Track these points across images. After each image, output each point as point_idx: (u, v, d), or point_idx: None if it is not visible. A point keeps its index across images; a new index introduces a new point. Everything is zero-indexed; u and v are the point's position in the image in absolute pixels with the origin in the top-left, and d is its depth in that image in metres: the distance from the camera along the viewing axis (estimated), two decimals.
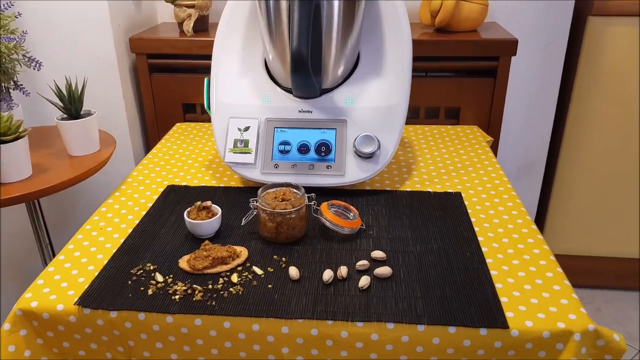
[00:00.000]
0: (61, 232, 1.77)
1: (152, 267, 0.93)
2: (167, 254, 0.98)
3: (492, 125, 1.71)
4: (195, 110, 1.74)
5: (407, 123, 1.73)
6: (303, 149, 1.19)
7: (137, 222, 1.09)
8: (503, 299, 0.85)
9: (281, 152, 1.20)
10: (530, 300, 0.85)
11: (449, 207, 1.14)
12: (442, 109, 1.71)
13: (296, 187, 1.04)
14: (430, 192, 1.21)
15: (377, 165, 1.18)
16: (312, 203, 1.03)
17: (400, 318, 0.81)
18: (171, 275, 0.91)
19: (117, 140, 1.69)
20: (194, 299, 0.85)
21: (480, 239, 1.02)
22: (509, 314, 0.81)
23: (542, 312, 0.82)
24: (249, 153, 1.20)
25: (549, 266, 0.93)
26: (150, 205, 1.16)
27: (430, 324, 0.80)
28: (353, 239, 1.02)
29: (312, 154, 1.19)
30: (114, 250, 0.99)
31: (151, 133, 1.75)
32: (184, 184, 1.26)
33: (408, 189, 1.23)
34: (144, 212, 1.13)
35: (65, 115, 1.24)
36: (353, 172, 1.18)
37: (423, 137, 1.54)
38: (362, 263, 0.92)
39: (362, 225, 1.05)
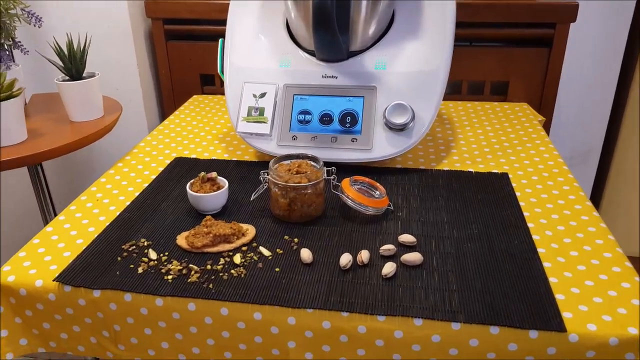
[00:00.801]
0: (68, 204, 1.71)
1: (146, 243, 0.84)
2: (165, 230, 0.88)
3: (544, 104, 1.54)
4: (213, 82, 1.65)
5: (446, 99, 1.60)
6: (325, 119, 1.08)
7: (137, 194, 1.00)
8: (559, 297, 0.71)
9: (300, 122, 1.08)
10: (592, 299, 0.71)
11: (494, 190, 1.00)
12: (488, 83, 1.56)
13: (314, 158, 0.93)
14: (471, 172, 1.08)
15: (410, 139, 1.06)
16: (332, 178, 0.91)
17: (431, 314, 0.69)
18: (166, 253, 0.82)
19: (130, 112, 1.61)
20: (189, 280, 0.75)
21: (530, 225, 0.88)
22: (566, 315, 0.68)
23: (609, 313, 0.68)
24: (265, 123, 1.09)
25: (616, 259, 0.79)
26: (153, 177, 1.07)
27: (468, 322, 0.68)
28: (378, 221, 0.90)
29: (335, 125, 1.07)
30: (108, 224, 0.90)
31: (167, 105, 1.67)
32: (193, 156, 1.17)
33: (445, 168, 1.09)
34: (146, 185, 1.04)
35: (66, 77, 1.16)
36: (382, 147, 1.05)
37: (465, 114, 1.40)
38: (388, 247, 0.80)
39: (389, 205, 0.93)
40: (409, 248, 0.83)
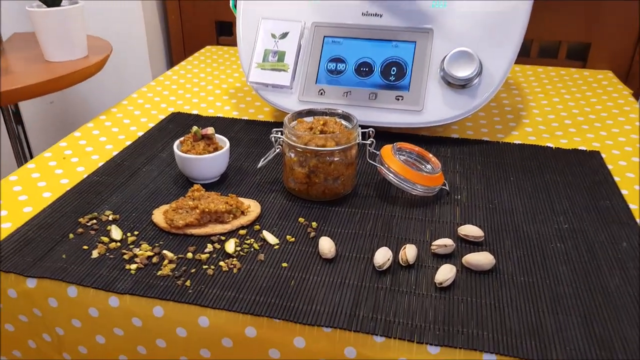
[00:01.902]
0: None
1: (111, 217, 0.63)
2: (140, 201, 0.67)
3: (632, 74, 1.27)
4: (231, 32, 1.43)
5: None
6: (364, 69, 0.85)
7: (115, 153, 0.80)
8: None
9: (331, 72, 0.86)
10: None
11: (584, 172, 0.76)
12: (564, 45, 1.29)
13: (345, 115, 0.70)
14: (551, 147, 0.83)
15: (473, 99, 0.82)
16: (369, 143, 0.68)
17: (509, 346, 0.47)
18: (135, 233, 0.61)
19: (133, 63, 1.41)
20: (159, 272, 0.55)
21: None
22: None
23: None
24: (285, 71, 0.87)
25: None
26: (141, 134, 0.86)
27: None
28: (429, 205, 0.67)
29: (376, 77, 0.84)
30: (69, 189, 0.70)
31: (176, 56, 1.46)
32: (194, 112, 0.95)
33: (517, 141, 0.85)
34: (129, 143, 0.83)
35: (42, 5, 0.95)
36: (436, 108, 0.82)
37: (536, 80, 1.14)
38: (443, 242, 0.58)
39: (444, 184, 0.70)
40: (474, 245, 0.60)
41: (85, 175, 0.74)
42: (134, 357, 0.55)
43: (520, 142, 0.85)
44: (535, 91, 1.08)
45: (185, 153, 0.69)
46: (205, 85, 1.09)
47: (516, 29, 0.81)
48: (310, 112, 0.71)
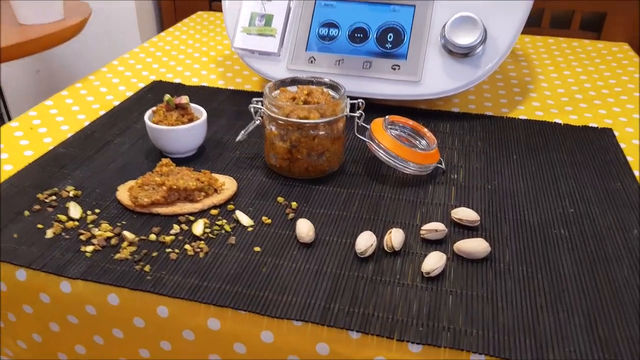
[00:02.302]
0: None
1: (72, 194, 0.58)
2: (107, 177, 0.62)
3: None
4: None
5: (522, 32, 1.27)
6: (358, 35, 0.78)
7: (87, 123, 0.74)
8: None
9: (322, 38, 0.79)
10: None
11: (594, 150, 0.70)
12: (578, 15, 1.21)
13: (333, 85, 0.64)
14: (560, 123, 0.77)
15: (477, 70, 0.75)
16: (358, 115, 0.62)
17: (502, 347, 0.41)
18: (97, 211, 0.56)
19: (121, 29, 1.35)
20: (117, 256, 0.49)
21: None
22: None
23: None
24: (272, 36, 0.80)
25: None
26: (117, 103, 0.81)
27: None
28: (422, 185, 0.62)
29: (371, 44, 0.78)
30: (32, 162, 0.65)
31: (167, 22, 1.39)
32: (177, 80, 0.89)
33: (522, 117, 0.79)
34: (103, 112, 0.78)
35: None
36: (436, 79, 0.76)
37: (547, 52, 1.07)
38: (434, 227, 0.52)
39: (440, 162, 0.65)
40: (468, 230, 0.54)
41: (51, 147, 0.68)
42: (91, 348, 0.51)
43: (526, 118, 0.79)
44: (544, 64, 1.01)
45: (157, 124, 0.64)
46: (192, 52, 1.02)
47: None
48: (294, 81, 0.65)
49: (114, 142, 0.69)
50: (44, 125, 0.74)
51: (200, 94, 0.84)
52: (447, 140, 0.71)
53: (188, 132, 0.64)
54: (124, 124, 0.74)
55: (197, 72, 0.93)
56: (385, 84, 0.77)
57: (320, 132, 0.60)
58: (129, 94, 0.84)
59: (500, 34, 0.75)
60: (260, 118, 0.63)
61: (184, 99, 0.64)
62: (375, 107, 0.77)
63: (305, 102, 0.61)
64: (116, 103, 0.81)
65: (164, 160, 0.59)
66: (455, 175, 0.64)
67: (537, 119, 0.79)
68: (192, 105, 0.67)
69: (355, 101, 0.64)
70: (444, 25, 0.75)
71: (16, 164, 0.65)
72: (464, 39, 0.73)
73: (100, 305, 0.48)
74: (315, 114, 0.59)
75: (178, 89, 0.86)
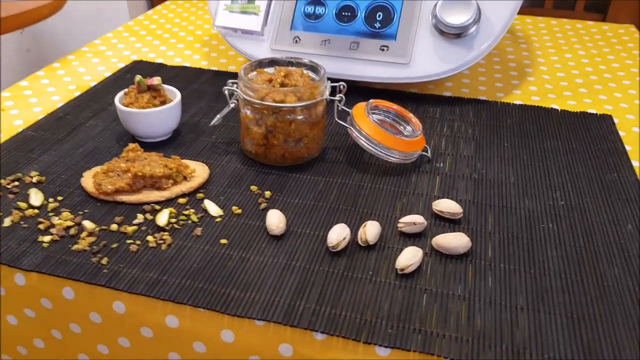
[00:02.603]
0: None
1: (35, 179, 0.55)
2: (74, 162, 0.59)
3: None
4: None
5: (522, 13, 1.22)
6: (345, 14, 0.74)
7: (60, 105, 0.71)
8: None
9: (308, 16, 0.75)
10: None
11: (591, 138, 0.66)
12: None
13: (313, 66, 0.61)
14: (556, 109, 0.73)
15: (469, 51, 0.71)
16: (339, 99, 0.59)
17: (478, 352, 0.39)
18: (59, 198, 0.53)
19: (113, 12, 1.31)
20: (74, 247, 0.47)
21: None
22: None
23: None
24: (255, 14, 0.76)
25: None
26: (94, 84, 0.78)
27: None
28: (405, 173, 0.58)
29: (359, 23, 0.74)
30: None
31: (157, 2, 1.35)
32: (159, 60, 0.86)
33: (518, 102, 0.75)
34: (77, 94, 0.75)
35: None
36: (426, 61, 0.72)
37: (549, 34, 1.03)
38: (412, 220, 0.49)
39: (425, 149, 0.61)
40: (450, 223, 0.51)
41: (20, 130, 0.66)
42: (50, 343, 0.48)
43: (521, 103, 0.75)
44: (545, 46, 0.96)
45: (127, 106, 0.60)
46: (177, 31, 0.99)
47: None
48: (273, 62, 0.62)
49: (86, 125, 0.66)
50: (16, 107, 0.71)
51: (182, 75, 0.80)
52: (435, 126, 0.68)
53: (159, 115, 0.60)
54: (98, 105, 0.71)
55: (181, 52, 0.90)
56: (372, 66, 0.73)
57: (298, 117, 0.56)
58: (108, 74, 0.81)
59: (495, 14, 0.71)
60: (235, 101, 0.60)
61: (156, 80, 0.61)
62: (362, 91, 0.74)
63: (283, 85, 0.58)
64: (93, 84, 0.78)
65: (131, 145, 0.56)
66: (441, 164, 0.60)
67: (533, 104, 0.75)
68: (166, 86, 0.64)
69: (336, 84, 0.60)
70: (436, 3, 0.71)
71: None
72: (457, 18, 0.69)
73: (55, 298, 0.45)
74: (292, 97, 0.55)
75: (159, 69, 0.82)
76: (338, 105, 0.59)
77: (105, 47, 0.91)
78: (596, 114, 0.72)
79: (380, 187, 0.56)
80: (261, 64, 0.61)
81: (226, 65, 0.85)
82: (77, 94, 0.75)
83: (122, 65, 0.84)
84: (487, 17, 0.71)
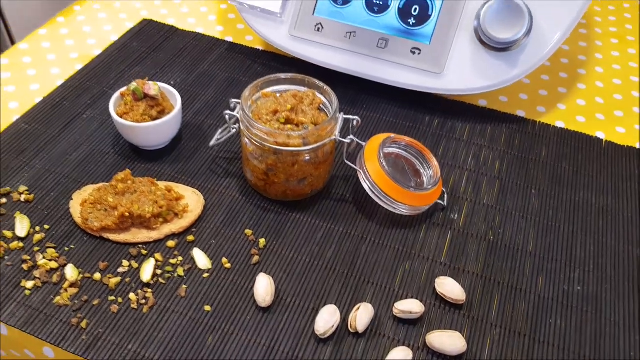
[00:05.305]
0: None
1: (23, 197, 0.53)
2: (66, 172, 0.56)
3: None
4: None
5: None
6: (377, 2, 0.65)
7: (59, 82, 0.66)
8: None
9: (334, 1, 0.66)
10: None
11: (632, 191, 0.59)
12: None
13: (323, 89, 0.54)
14: (601, 139, 0.65)
15: (513, 68, 0.62)
16: (348, 142, 0.52)
17: None
18: (46, 226, 0.51)
19: None
20: (56, 299, 0.46)
21: None
22: None
23: None
24: None
25: None
26: (97, 52, 0.72)
27: None
28: (414, 224, 0.54)
29: (391, 17, 0.64)
30: None
31: None
32: (170, 21, 0.78)
33: (559, 123, 0.67)
34: (79, 66, 0.69)
35: None
36: (462, 73, 0.63)
37: (616, 23, 0.89)
38: (409, 308, 0.46)
39: (442, 195, 0.56)
40: (450, 307, 0.48)
41: (15, 117, 0.62)
42: None
43: (562, 126, 0.67)
44: (609, 34, 0.84)
45: (122, 116, 0.55)
46: None
47: None
48: (279, 81, 0.55)
49: (83, 117, 0.62)
50: (13, 82, 0.66)
51: (191, 47, 0.73)
52: (460, 154, 0.61)
53: (156, 129, 0.56)
54: (97, 89, 0.66)
55: (196, 10, 0.81)
56: (400, 70, 0.65)
57: (307, 158, 0.51)
58: (114, 37, 0.74)
59: (549, 25, 0.60)
60: (235, 126, 0.54)
61: (153, 90, 0.55)
62: (385, 90, 0.66)
63: (288, 121, 0.52)
64: (96, 52, 0.72)
65: (121, 175, 0.52)
66: (456, 215, 0.55)
67: (576, 126, 0.67)
68: (166, 87, 0.58)
69: (350, 117, 0.53)
70: (480, 10, 0.60)
71: None
72: (505, 32, 0.60)
73: (37, 353, 0.45)
74: (296, 140, 0.50)
75: (168, 35, 0.75)
76: (348, 147, 0.53)
77: None
78: None
79: (383, 242, 0.52)
80: (265, 82, 0.54)
81: (242, 34, 0.77)
82: (78, 66, 0.69)
83: (130, 25, 0.77)
84: (539, 26, 0.61)
